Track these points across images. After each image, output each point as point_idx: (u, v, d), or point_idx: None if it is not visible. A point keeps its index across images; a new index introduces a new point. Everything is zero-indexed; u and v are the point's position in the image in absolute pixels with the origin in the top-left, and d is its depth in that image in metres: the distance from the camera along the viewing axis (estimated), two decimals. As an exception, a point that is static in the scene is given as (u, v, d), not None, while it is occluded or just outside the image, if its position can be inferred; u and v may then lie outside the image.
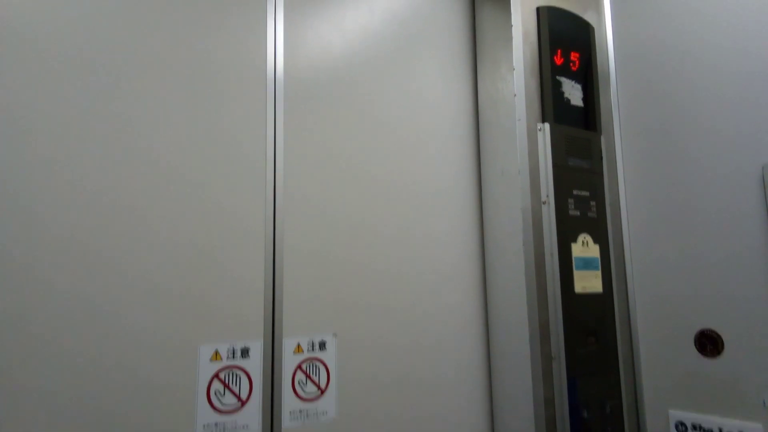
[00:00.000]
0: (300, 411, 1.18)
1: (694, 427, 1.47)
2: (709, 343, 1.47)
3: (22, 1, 1.02)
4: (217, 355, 1.07)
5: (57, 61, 1.03)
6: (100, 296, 1.00)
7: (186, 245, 1.11)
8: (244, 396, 1.10)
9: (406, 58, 1.55)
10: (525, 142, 1.52)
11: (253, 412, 1.12)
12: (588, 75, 1.69)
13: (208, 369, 1.07)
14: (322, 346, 1.23)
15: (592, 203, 1.61)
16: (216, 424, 1.08)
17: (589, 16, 1.74)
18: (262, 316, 1.16)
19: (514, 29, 1.55)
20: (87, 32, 1.07)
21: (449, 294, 1.53)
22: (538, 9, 1.61)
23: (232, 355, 1.09)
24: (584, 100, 1.67)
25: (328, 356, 1.24)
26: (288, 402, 1.17)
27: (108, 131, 1.07)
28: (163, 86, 1.14)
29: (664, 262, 1.58)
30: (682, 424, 1.50)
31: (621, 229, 1.67)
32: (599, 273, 1.57)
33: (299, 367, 1.19)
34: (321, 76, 1.38)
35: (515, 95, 1.54)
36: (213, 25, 1.23)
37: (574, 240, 1.54)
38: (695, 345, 1.49)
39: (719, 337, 1.44)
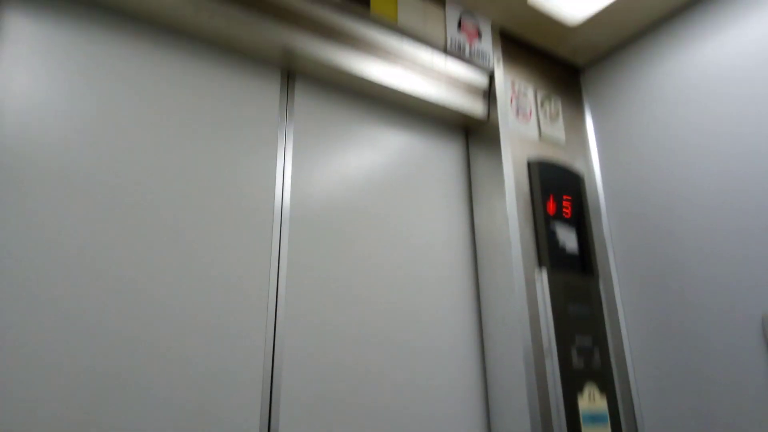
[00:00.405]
0: None
1: None
2: None
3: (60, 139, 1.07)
4: None
5: (88, 193, 1.07)
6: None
7: (184, 381, 1.07)
8: None
9: (405, 203, 1.60)
10: (523, 289, 1.52)
11: None
12: (581, 221, 1.73)
13: None
14: None
15: (596, 352, 1.58)
16: None
17: (578, 166, 1.83)
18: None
19: (506, 181, 1.61)
20: (119, 163, 1.12)
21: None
22: (528, 163, 1.69)
23: None
24: (579, 245, 1.69)
25: None
26: None
27: (122, 253, 1.10)
28: (180, 215, 1.20)
29: (676, 421, 1.51)
30: None
31: (628, 380, 1.61)
32: (609, 430, 1.50)
33: None
34: (324, 212, 1.43)
35: (511, 243, 1.56)
36: (229, 164, 1.30)
37: (581, 392, 1.48)
38: None
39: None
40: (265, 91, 1.43)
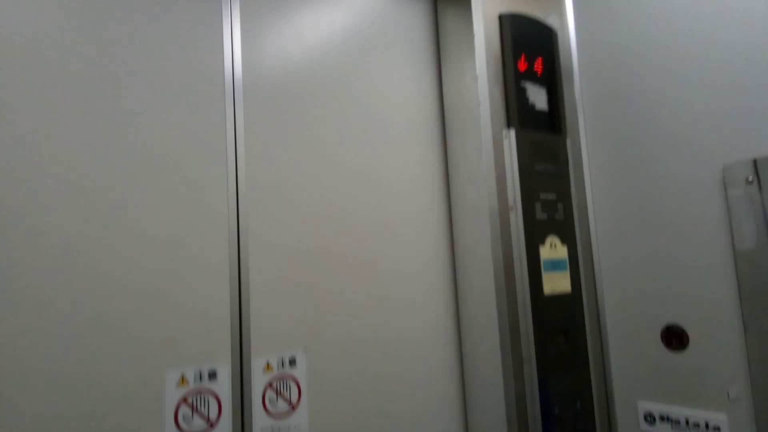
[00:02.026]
0: (272, 428, 1.21)
1: (661, 417, 1.53)
2: (674, 338, 1.52)
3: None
4: (183, 379, 1.10)
5: (38, 67, 1.05)
6: (65, 322, 1.03)
7: (146, 266, 1.13)
8: (213, 418, 1.13)
9: (369, 65, 1.57)
10: (491, 150, 1.56)
11: (223, 433, 1.15)
12: (552, 79, 1.72)
13: (174, 394, 1.09)
14: (293, 362, 1.26)
15: (559, 206, 1.65)
16: (185, 447, 1.10)
17: (552, 21, 1.77)
18: (229, 337, 1.19)
19: (476, 38, 1.58)
20: (51, 44, 1.09)
21: (421, 296, 1.57)
22: (500, 16, 1.63)
23: (199, 379, 1.12)
24: (549, 103, 1.70)
25: (299, 372, 1.27)
26: (259, 421, 1.20)
27: (64, 132, 1.09)
28: (126, 91, 1.16)
29: (631, 262, 1.62)
30: (651, 415, 1.56)
31: (588, 230, 1.71)
32: (567, 273, 1.61)
33: (269, 385, 1.23)
34: (281, 81, 1.40)
35: (480, 104, 1.56)
36: (168, 33, 1.24)
37: (542, 243, 1.58)
38: (662, 340, 1.54)
39: (684, 332, 1.49)
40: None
